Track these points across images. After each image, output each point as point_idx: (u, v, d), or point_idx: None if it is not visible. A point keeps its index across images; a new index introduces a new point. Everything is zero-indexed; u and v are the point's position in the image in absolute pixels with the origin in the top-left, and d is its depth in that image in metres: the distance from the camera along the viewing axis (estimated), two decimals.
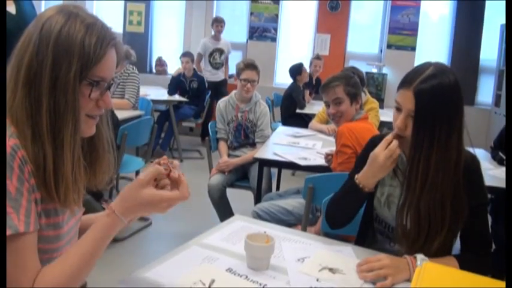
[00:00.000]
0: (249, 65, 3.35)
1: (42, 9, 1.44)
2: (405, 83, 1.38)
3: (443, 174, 1.36)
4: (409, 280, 1.27)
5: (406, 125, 1.37)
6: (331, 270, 1.28)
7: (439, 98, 1.33)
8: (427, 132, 1.34)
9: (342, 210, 1.59)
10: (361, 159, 1.70)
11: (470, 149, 1.49)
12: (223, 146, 3.44)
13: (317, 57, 6.03)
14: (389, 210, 1.53)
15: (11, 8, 2.31)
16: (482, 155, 3.25)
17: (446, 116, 1.34)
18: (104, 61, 0.98)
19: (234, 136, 3.45)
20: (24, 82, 0.94)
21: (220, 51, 6.35)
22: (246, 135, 3.43)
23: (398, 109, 1.40)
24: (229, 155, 3.39)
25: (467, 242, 1.46)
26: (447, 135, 1.35)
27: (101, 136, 1.10)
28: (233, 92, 3.49)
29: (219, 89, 6.25)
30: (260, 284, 1.18)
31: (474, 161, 1.45)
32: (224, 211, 3.19)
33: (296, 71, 5.49)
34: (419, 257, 1.30)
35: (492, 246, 1.46)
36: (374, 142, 1.66)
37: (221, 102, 3.49)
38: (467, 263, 1.35)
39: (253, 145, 3.42)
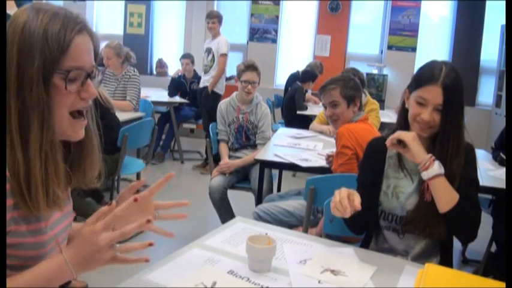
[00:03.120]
0: (249, 66, 3.35)
1: None
2: (430, 79, 1.50)
3: (457, 159, 1.51)
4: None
5: (434, 118, 1.50)
6: (333, 272, 1.28)
7: (460, 88, 1.51)
8: (454, 120, 1.50)
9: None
10: (363, 163, 1.71)
11: None
12: (224, 148, 3.44)
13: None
14: (398, 199, 1.58)
15: (12, 11, 2.31)
16: (483, 155, 3.25)
17: (462, 103, 1.53)
18: (72, 49, 0.92)
19: (235, 138, 3.45)
20: None
21: (208, 51, 5.33)
22: (247, 136, 3.43)
23: (422, 104, 1.51)
24: (230, 157, 3.40)
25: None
26: (461, 119, 1.53)
27: (89, 132, 1.06)
28: (234, 94, 3.49)
29: (200, 98, 5.38)
30: (262, 286, 1.17)
31: (471, 152, 1.58)
32: (225, 212, 3.19)
33: (311, 77, 5.62)
34: (437, 162, 1.46)
35: (481, 215, 1.53)
36: (374, 144, 1.68)
37: (222, 104, 3.49)
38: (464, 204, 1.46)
39: (254, 146, 3.42)
